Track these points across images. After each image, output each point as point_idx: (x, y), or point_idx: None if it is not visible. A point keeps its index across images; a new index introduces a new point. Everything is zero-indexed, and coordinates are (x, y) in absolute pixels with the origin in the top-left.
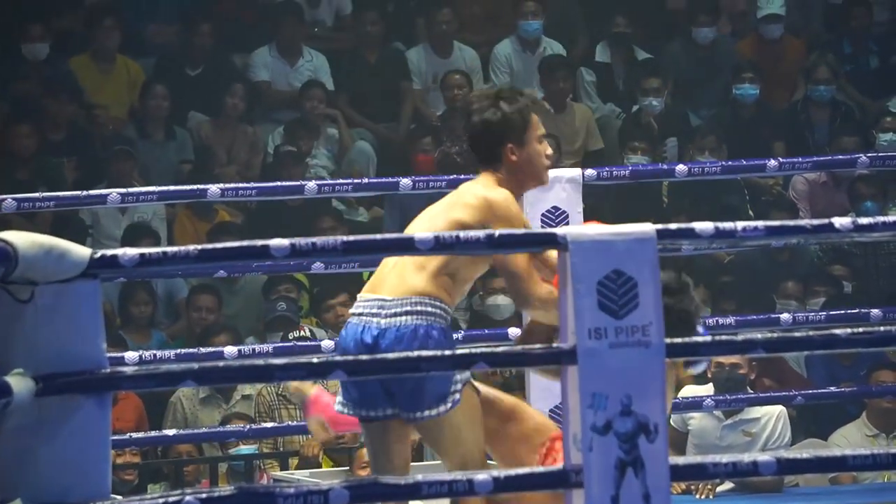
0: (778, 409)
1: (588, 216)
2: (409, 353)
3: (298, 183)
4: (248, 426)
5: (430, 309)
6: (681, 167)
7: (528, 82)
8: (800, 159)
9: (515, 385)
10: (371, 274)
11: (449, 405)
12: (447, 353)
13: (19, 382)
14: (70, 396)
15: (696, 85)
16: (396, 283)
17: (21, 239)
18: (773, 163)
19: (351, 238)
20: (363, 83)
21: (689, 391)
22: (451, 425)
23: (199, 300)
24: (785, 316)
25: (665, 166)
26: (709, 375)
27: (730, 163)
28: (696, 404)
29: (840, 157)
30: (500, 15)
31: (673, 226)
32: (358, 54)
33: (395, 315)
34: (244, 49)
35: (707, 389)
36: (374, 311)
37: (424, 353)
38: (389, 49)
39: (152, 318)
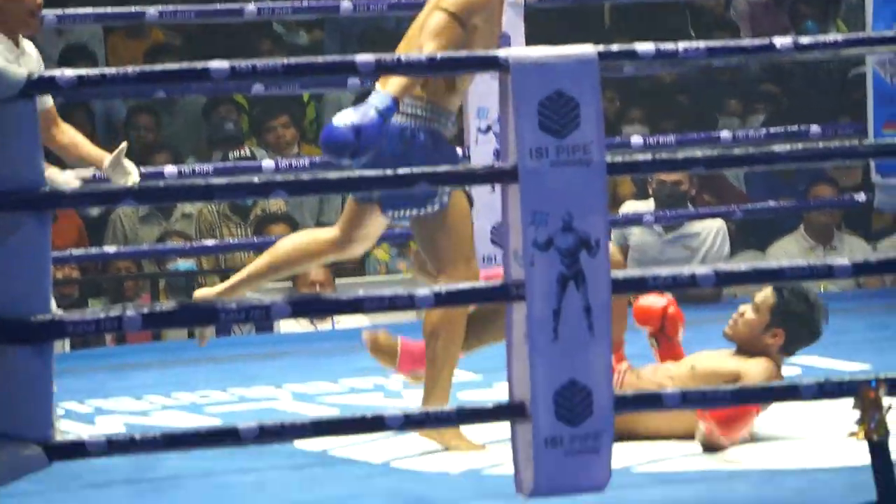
0: (717, 224)
1: (530, 40)
2: (351, 175)
3: (238, 6)
4: (188, 244)
5: (419, 112)
6: None
7: None
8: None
9: None
10: (310, 97)
11: (430, 208)
12: (388, 172)
13: None
14: (10, 214)
15: None
16: (395, 80)
17: None
18: None
19: (293, 61)
20: None
21: (631, 207)
22: (429, 226)
23: (139, 119)
24: (725, 133)
25: None
26: (650, 192)
27: None
28: (636, 219)
29: None
30: None
31: (615, 47)
32: None
33: None
34: None
35: (648, 205)
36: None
37: (364, 173)
38: None
39: (92, 138)
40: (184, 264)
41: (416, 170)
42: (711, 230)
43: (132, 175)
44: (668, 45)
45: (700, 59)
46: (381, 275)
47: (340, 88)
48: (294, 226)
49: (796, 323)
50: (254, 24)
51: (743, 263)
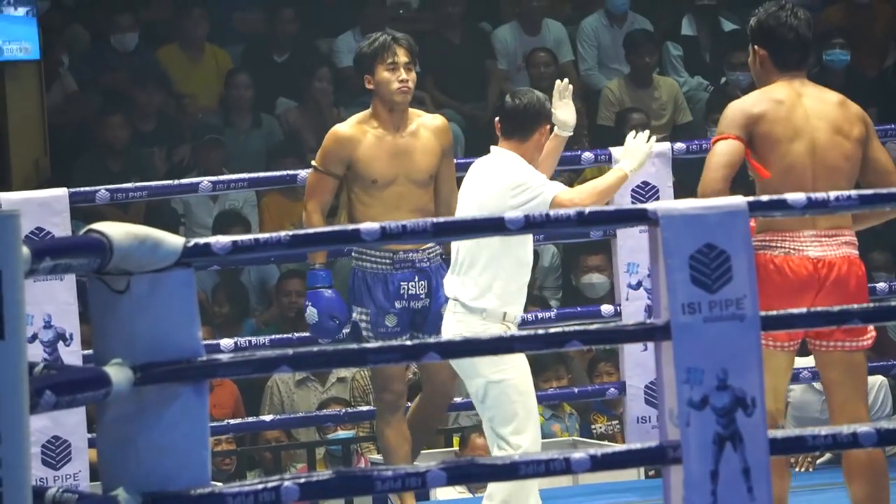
0: (879, 380)
1: (678, 191)
2: (503, 334)
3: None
4: (344, 410)
5: (354, 253)
6: None
7: (615, 57)
8: (892, 126)
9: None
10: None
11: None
12: (540, 332)
13: (118, 372)
14: (168, 385)
15: None
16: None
17: (115, 230)
18: None
19: (441, 220)
20: (448, 64)
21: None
22: None
23: (289, 285)
24: (881, 285)
25: None
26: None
27: None
28: (794, 376)
29: None
30: None
31: (765, 197)
32: (441, 35)
33: None
34: (329, 34)
35: (808, 361)
36: None
37: (517, 332)
38: (473, 29)
39: (245, 304)
40: (343, 433)
41: (567, 329)
42: (874, 386)
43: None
44: (819, 194)
45: (852, 207)
46: None
47: None
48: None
49: None
50: None
51: None
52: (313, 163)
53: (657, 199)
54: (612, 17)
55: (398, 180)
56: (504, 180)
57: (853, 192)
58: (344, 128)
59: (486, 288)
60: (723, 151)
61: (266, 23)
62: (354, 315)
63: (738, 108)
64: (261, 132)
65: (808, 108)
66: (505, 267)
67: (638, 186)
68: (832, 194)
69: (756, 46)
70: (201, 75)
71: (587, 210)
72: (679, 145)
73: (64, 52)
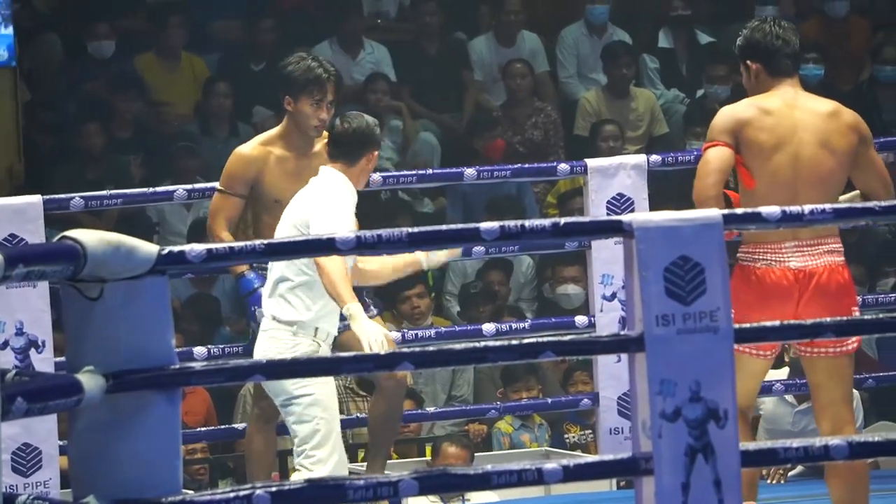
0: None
1: (654, 203)
2: (476, 344)
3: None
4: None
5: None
6: None
7: (594, 67)
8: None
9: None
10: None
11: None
12: (514, 342)
13: (90, 380)
14: (141, 393)
15: None
16: None
17: (89, 237)
18: None
19: (416, 230)
20: (424, 74)
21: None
22: None
23: None
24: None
25: None
26: (786, 360)
27: None
28: (766, 388)
29: None
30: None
31: (739, 210)
32: (418, 45)
33: None
34: (307, 42)
35: (781, 374)
36: None
37: (491, 343)
38: (450, 39)
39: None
40: None
41: (541, 339)
42: None
43: None
44: (794, 208)
45: (827, 221)
46: (506, 448)
47: (465, 257)
48: (419, 401)
49: None
50: (379, 193)
51: (877, 434)
52: (218, 185)
53: (632, 210)
54: (591, 27)
55: None
56: (318, 201)
57: (828, 206)
58: (247, 149)
59: (299, 303)
60: (714, 157)
61: (244, 31)
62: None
63: (727, 114)
64: (238, 141)
65: (797, 120)
66: (320, 284)
67: (613, 198)
68: (807, 208)
69: (748, 62)
70: (178, 83)
71: (562, 221)
72: (655, 157)
73: (39, 58)
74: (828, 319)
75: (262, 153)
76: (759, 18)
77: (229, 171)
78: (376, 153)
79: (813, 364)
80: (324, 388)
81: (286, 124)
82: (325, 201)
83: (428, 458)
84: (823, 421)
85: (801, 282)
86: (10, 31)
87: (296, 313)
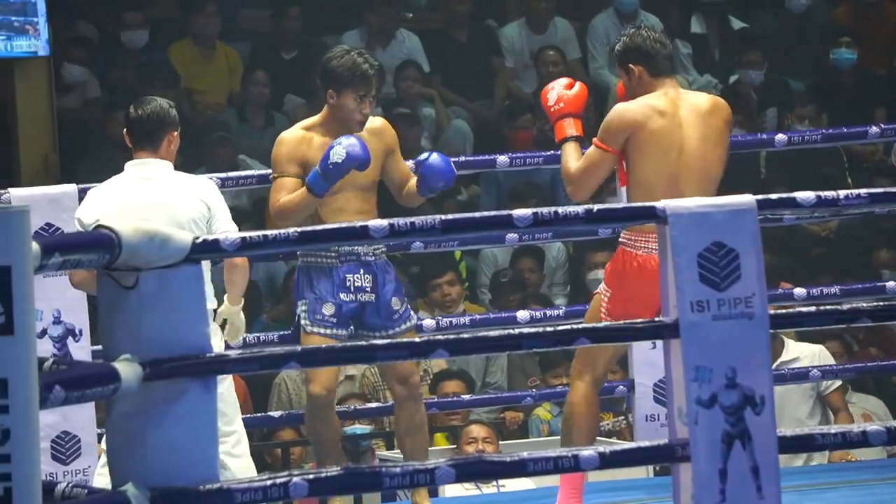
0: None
1: None
2: (511, 331)
3: None
4: (353, 406)
5: (299, 252)
6: (780, 137)
7: None
8: None
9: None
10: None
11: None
12: (548, 329)
13: (127, 368)
14: (176, 381)
15: (791, 53)
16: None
17: (124, 226)
18: (874, 129)
19: (449, 217)
20: (455, 62)
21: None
22: None
23: None
24: (891, 284)
25: (764, 136)
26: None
27: (831, 131)
28: (803, 374)
29: None
30: None
31: (774, 196)
32: (449, 33)
33: None
34: (336, 31)
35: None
36: None
37: (526, 330)
38: (480, 27)
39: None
40: (360, 428)
41: (576, 326)
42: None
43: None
44: (829, 192)
45: (862, 206)
46: (545, 436)
47: (497, 244)
48: (470, 382)
49: None
50: None
51: None
52: (271, 175)
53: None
54: (621, 15)
55: (344, 188)
56: (209, 202)
57: (863, 191)
58: (290, 133)
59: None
60: (601, 167)
61: (272, 21)
62: (297, 310)
63: (624, 117)
64: (274, 129)
65: (681, 118)
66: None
67: None
68: (842, 193)
69: (630, 66)
70: (212, 72)
71: (595, 208)
72: None
73: (73, 48)
74: (864, 305)
75: (306, 137)
76: (634, 25)
77: (279, 156)
78: (175, 134)
79: None
80: (225, 384)
81: (326, 114)
82: (216, 201)
83: (450, 445)
84: None
85: None
86: (44, 21)
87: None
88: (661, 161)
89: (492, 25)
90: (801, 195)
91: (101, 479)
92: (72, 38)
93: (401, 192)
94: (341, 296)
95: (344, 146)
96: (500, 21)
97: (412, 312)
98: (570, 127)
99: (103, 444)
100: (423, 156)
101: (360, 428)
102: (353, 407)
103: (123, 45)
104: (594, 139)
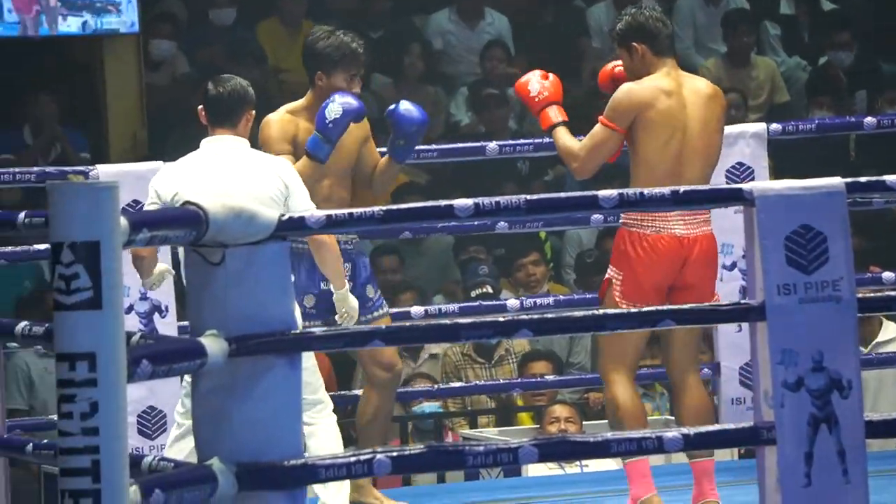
0: None
1: (775, 173)
2: (595, 312)
3: (479, 144)
4: (435, 386)
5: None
6: (870, 119)
7: (712, 36)
8: None
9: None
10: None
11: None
12: (633, 310)
13: (213, 344)
14: (262, 357)
15: (882, 35)
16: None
17: (212, 203)
18: None
19: (534, 196)
20: (541, 42)
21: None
22: None
23: (383, 261)
24: None
25: (853, 119)
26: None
27: None
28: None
29: None
30: None
31: (863, 178)
32: (535, 13)
33: None
34: (424, 11)
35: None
36: None
37: (609, 311)
38: (567, 7)
39: None
40: (429, 407)
41: (661, 308)
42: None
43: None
44: None
45: None
46: None
47: (583, 225)
48: (558, 363)
49: None
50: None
51: None
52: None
53: (751, 180)
54: None
55: (328, 174)
56: (286, 181)
57: None
58: (277, 116)
59: None
60: (609, 146)
61: (359, 0)
62: None
63: (633, 97)
64: None
65: (685, 99)
66: None
67: (732, 167)
68: None
69: (634, 44)
70: (299, 52)
71: (682, 189)
72: (775, 126)
73: (161, 25)
74: None
75: (293, 119)
76: (635, 6)
77: (269, 136)
78: (253, 113)
79: None
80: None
81: (312, 98)
82: (294, 180)
83: (531, 425)
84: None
85: (686, 248)
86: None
87: None
88: (666, 141)
89: (579, 6)
90: (890, 179)
91: (171, 452)
92: (160, 14)
93: (372, 176)
94: (321, 285)
95: (338, 102)
96: (588, 1)
97: (384, 301)
98: (557, 114)
99: (177, 417)
100: (393, 105)
101: (430, 406)
102: (436, 387)
103: (212, 23)
104: (601, 118)
